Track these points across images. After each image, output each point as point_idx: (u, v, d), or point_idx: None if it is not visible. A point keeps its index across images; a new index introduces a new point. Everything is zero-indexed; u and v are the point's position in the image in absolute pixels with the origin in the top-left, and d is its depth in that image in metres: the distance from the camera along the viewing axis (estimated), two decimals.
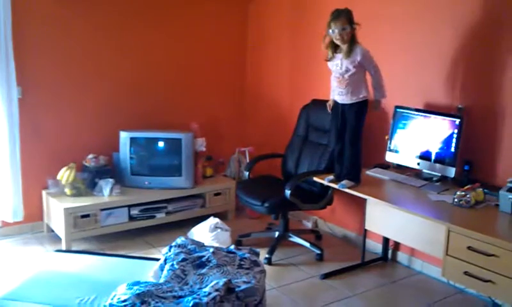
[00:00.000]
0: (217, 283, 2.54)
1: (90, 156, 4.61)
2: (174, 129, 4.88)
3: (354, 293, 3.75)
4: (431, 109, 3.84)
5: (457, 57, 3.73)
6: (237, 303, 2.53)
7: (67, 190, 4.40)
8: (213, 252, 2.94)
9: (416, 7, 3.95)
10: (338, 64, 3.59)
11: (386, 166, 4.07)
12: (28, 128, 4.40)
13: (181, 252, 2.95)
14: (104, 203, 4.38)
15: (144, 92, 4.97)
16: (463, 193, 3.24)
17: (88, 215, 4.29)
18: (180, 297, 2.48)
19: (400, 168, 3.99)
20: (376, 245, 4.35)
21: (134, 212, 4.53)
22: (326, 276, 3.96)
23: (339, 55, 3.58)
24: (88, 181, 4.54)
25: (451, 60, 3.76)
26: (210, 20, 5.27)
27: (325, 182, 3.82)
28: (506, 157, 3.52)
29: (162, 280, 2.74)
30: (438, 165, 3.70)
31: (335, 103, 3.76)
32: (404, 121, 3.93)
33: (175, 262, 2.84)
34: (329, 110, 3.88)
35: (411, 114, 3.89)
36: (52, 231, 4.49)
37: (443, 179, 3.70)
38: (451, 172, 3.62)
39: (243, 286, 2.60)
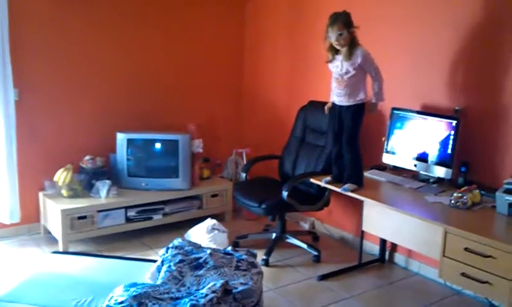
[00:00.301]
0: (214, 284, 2.54)
1: (87, 157, 4.60)
2: (171, 130, 4.88)
3: (351, 294, 3.75)
4: (428, 111, 3.84)
5: (454, 59, 3.74)
6: (234, 305, 2.53)
7: (64, 192, 4.39)
8: (210, 254, 2.94)
9: (414, 9, 3.95)
10: (338, 66, 3.59)
11: (383, 168, 4.08)
12: (25, 130, 4.39)
13: (178, 253, 2.94)
14: (101, 205, 4.37)
15: (142, 93, 4.96)
16: (460, 194, 3.24)
17: (84, 217, 4.28)
18: (177, 298, 2.48)
19: (397, 170, 4.00)
20: (373, 246, 4.36)
21: (131, 213, 4.53)
22: (323, 278, 3.96)
23: (339, 57, 3.57)
24: (85, 183, 4.53)
25: (448, 62, 3.77)
26: (208, 22, 5.28)
27: (322, 184, 3.82)
28: (503, 158, 3.53)
29: (159, 282, 2.73)
30: (434, 166, 3.71)
31: (333, 104, 3.76)
32: (401, 123, 3.94)
33: (172, 264, 2.83)
34: (326, 112, 3.88)
35: (408, 115, 3.89)
36: (49, 232, 4.49)
37: (440, 181, 3.70)
38: (448, 173, 3.62)
39: (240, 288, 2.60)
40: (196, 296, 2.46)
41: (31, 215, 4.55)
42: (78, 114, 4.67)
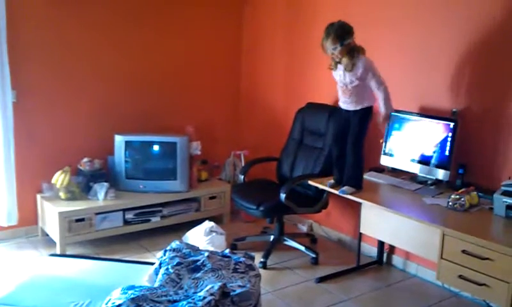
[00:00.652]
0: (212, 287, 2.53)
1: (85, 160, 4.60)
2: (169, 133, 4.87)
3: (349, 296, 3.75)
4: (425, 113, 3.85)
5: (452, 61, 3.74)
6: None
7: (62, 194, 4.39)
8: (208, 256, 2.94)
9: (413, 11, 3.96)
10: (341, 75, 3.55)
11: (381, 170, 4.08)
12: (23, 132, 4.39)
13: (176, 256, 2.94)
14: (99, 207, 4.37)
15: (139, 95, 4.96)
16: (458, 196, 3.25)
17: (82, 219, 4.28)
18: (175, 301, 2.47)
19: (395, 172, 4.00)
20: (371, 248, 4.36)
21: (129, 215, 4.52)
22: (321, 280, 3.96)
23: (341, 66, 3.51)
24: (83, 185, 4.53)
25: (446, 64, 3.78)
26: (206, 24, 5.28)
27: (326, 188, 3.79)
28: (500, 160, 3.53)
29: (157, 284, 2.73)
30: (432, 168, 3.71)
31: (340, 108, 3.74)
32: (398, 125, 3.94)
33: (169, 266, 2.83)
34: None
35: (406, 117, 3.89)
36: (47, 235, 4.48)
37: (438, 182, 3.71)
38: (446, 175, 3.63)
39: (238, 290, 2.59)
40: (193, 299, 2.45)
41: (28, 218, 4.55)
42: (76, 116, 4.67)
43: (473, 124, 3.65)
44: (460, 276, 2.99)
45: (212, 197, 4.98)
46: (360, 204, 3.80)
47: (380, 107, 3.55)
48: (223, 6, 5.38)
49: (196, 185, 4.96)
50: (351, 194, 3.59)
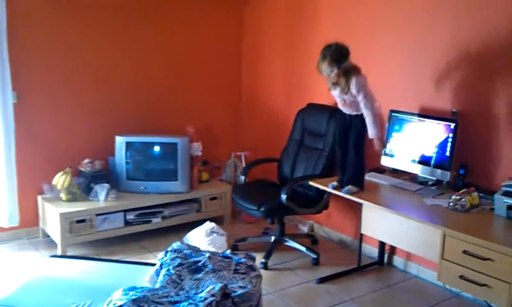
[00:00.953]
0: (213, 288, 2.53)
1: (86, 161, 4.60)
2: (170, 133, 4.88)
3: (351, 297, 3.75)
4: (426, 113, 3.85)
5: (452, 61, 3.74)
6: None
7: (63, 195, 4.39)
8: (209, 257, 2.93)
9: (413, 12, 3.96)
10: (337, 94, 3.59)
11: (382, 170, 4.09)
12: (23, 133, 4.40)
13: (177, 257, 2.94)
14: (100, 208, 4.37)
15: (140, 96, 4.97)
16: (458, 197, 3.24)
17: (83, 220, 4.28)
18: (176, 302, 2.47)
19: (395, 172, 4.00)
20: (371, 249, 4.36)
21: (130, 216, 4.52)
22: (322, 281, 3.96)
23: (338, 87, 3.52)
24: (84, 186, 4.53)
25: (447, 64, 3.78)
26: (206, 25, 5.28)
27: (329, 189, 3.79)
28: (501, 161, 3.53)
29: (158, 285, 2.73)
30: (433, 169, 3.71)
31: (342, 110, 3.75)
32: (399, 126, 3.94)
33: (170, 267, 2.83)
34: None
35: (407, 118, 3.90)
36: (48, 236, 4.48)
37: (439, 183, 3.71)
38: (446, 176, 3.63)
39: (239, 291, 2.59)
40: (195, 300, 2.46)
41: (29, 219, 4.55)
42: (77, 117, 4.67)
43: (474, 124, 3.65)
44: (461, 277, 2.99)
45: (212, 198, 4.98)
46: (360, 205, 3.80)
47: (369, 130, 3.53)
48: (223, 7, 5.38)
49: (197, 186, 4.96)
50: (354, 193, 3.60)
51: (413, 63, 3.99)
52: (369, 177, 3.92)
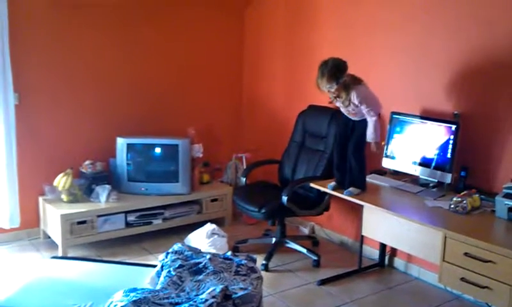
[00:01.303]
0: (214, 289, 2.53)
1: (87, 162, 4.60)
2: (171, 135, 4.88)
3: (351, 299, 3.74)
4: (427, 115, 3.84)
5: (454, 63, 3.74)
6: None
7: (64, 197, 4.39)
8: (210, 259, 2.94)
9: (413, 13, 3.96)
10: (341, 106, 3.61)
11: (383, 172, 4.08)
12: (25, 134, 4.40)
13: (178, 258, 2.94)
14: (101, 209, 4.37)
15: (142, 98, 4.97)
16: (460, 199, 3.24)
17: (84, 222, 4.28)
18: (177, 303, 2.47)
19: (396, 174, 4.00)
20: (372, 251, 4.35)
21: (131, 218, 4.52)
22: (323, 282, 3.96)
23: (340, 99, 3.54)
24: (85, 188, 4.53)
25: (448, 66, 3.78)
26: (207, 26, 5.29)
27: (327, 190, 3.80)
28: (502, 163, 3.53)
29: (158, 287, 2.73)
30: (434, 171, 3.71)
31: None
32: (400, 127, 3.94)
33: (171, 269, 2.83)
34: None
35: (408, 120, 3.89)
36: (49, 237, 4.48)
37: (440, 185, 3.70)
38: (447, 178, 3.62)
39: (240, 293, 2.59)
40: (195, 301, 2.45)
41: (30, 220, 4.55)
42: (78, 118, 4.67)
43: (475, 126, 3.65)
44: (462, 279, 2.99)
45: (213, 200, 4.98)
46: (361, 206, 3.80)
47: (368, 134, 3.61)
48: (224, 8, 5.38)
49: (198, 188, 4.96)
50: (357, 195, 3.61)
51: (415, 64, 3.99)
52: (370, 179, 3.92)
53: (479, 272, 2.90)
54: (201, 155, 4.93)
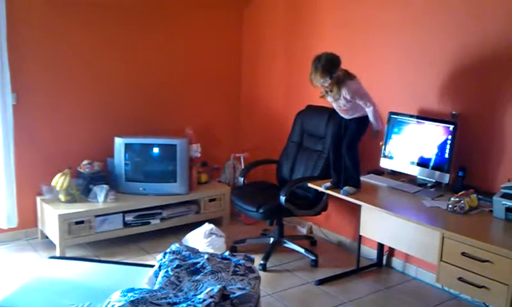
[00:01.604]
0: (211, 289, 2.54)
1: (85, 162, 4.60)
2: (169, 135, 4.88)
3: (349, 299, 3.75)
4: (425, 115, 3.85)
5: (452, 63, 3.75)
6: None
7: (61, 197, 4.39)
8: (208, 259, 2.94)
9: (411, 13, 3.96)
10: (332, 101, 3.63)
11: (381, 172, 4.09)
12: (23, 134, 4.39)
13: (175, 258, 2.94)
14: (99, 209, 4.37)
15: (139, 98, 4.97)
16: (457, 199, 3.25)
17: (82, 222, 4.28)
18: (175, 303, 2.47)
19: (394, 174, 4.00)
20: (370, 251, 4.36)
21: (129, 218, 4.52)
22: (321, 282, 3.96)
23: (332, 94, 3.56)
24: (83, 188, 4.53)
25: (446, 66, 3.78)
26: (206, 26, 5.28)
27: (321, 189, 3.82)
28: (500, 163, 3.53)
29: (156, 287, 2.73)
30: (432, 171, 3.71)
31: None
32: (398, 127, 3.95)
33: (169, 269, 2.83)
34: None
35: (406, 120, 3.90)
36: (47, 237, 4.48)
37: (438, 185, 3.71)
38: (445, 178, 3.63)
39: (238, 293, 2.59)
40: (193, 301, 2.45)
41: (28, 220, 4.55)
42: (76, 118, 4.67)
43: (473, 127, 3.65)
44: (460, 278, 2.99)
45: (211, 200, 4.98)
46: (359, 206, 3.80)
47: (371, 123, 3.66)
48: (223, 10, 5.38)
49: (196, 188, 4.96)
50: (353, 193, 3.61)
51: (413, 64, 3.99)
52: (368, 179, 3.93)
53: (476, 272, 2.91)
54: (199, 155, 4.93)
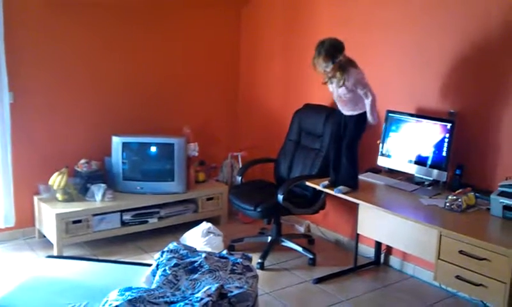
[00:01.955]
0: (209, 288, 2.53)
1: (82, 161, 4.59)
2: (166, 134, 4.87)
3: (347, 297, 3.75)
4: (423, 114, 3.85)
5: (449, 62, 3.75)
6: None
7: (59, 196, 4.38)
8: (205, 258, 2.94)
9: (409, 13, 3.97)
10: (334, 88, 3.60)
11: (378, 171, 4.09)
12: (20, 133, 4.38)
13: (173, 257, 2.94)
14: (96, 208, 4.36)
15: (137, 97, 4.96)
16: (455, 197, 3.25)
17: (79, 221, 4.28)
18: (172, 302, 2.47)
19: (392, 172, 4.00)
20: (368, 249, 4.36)
21: (126, 217, 4.52)
22: (319, 281, 3.96)
23: (334, 80, 3.55)
24: (80, 187, 4.52)
25: (444, 65, 3.78)
26: (204, 25, 5.28)
27: (319, 187, 3.82)
28: (497, 161, 3.54)
29: (154, 286, 2.73)
30: (429, 169, 3.71)
31: (338, 110, 3.76)
32: (396, 126, 3.95)
33: (167, 267, 2.83)
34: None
35: (403, 118, 3.90)
36: (44, 236, 4.47)
37: (435, 183, 3.71)
38: (443, 176, 3.63)
39: (235, 292, 2.59)
40: (191, 300, 2.45)
41: (25, 219, 4.54)
42: (73, 117, 4.66)
43: (470, 125, 3.65)
44: (457, 277, 2.99)
45: (209, 199, 4.98)
46: (357, 205, 3.81)
47: (367, 115, 3.62)
48: (221, 8, 5.38)
49: (194, 187, 4.96)
50: (346, 193, 3.61)
51: (410, 63, 3.99)
52: (365, 177, 3.93)
53: (474, 270, 2.91)
54: (196, 154, 4.93)
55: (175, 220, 4.79)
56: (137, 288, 2.58)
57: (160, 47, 5.05)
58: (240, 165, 5.12)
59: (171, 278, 2.76)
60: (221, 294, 2.54)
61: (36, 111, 4.47)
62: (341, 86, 3.52)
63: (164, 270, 2.82)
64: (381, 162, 4.05)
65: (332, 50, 3.43)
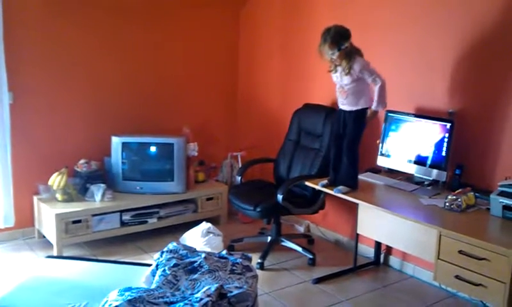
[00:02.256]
0: (209, 288, 2.53)
1: (82, 161, 4.59)
2: (166, 134, 4.87)
3: (347, 297, 3.75)
4: (422, 113, 3.85)
5: (449, 62, 3.75)
6: None
7: (58, 196, 4.38)
8: (205, 258, 2.93)
9: (409, 13, 3.96)
10: (338, 77, 3.60)
11: (378, 170, 4.09)
12: (19, 134, 4.38)
13: (173, 257, 2.94)
14: (96, 209, 4.36)
15: (137, 97, 4.96)
16: (454, 197, 3.25)
17: (79, 221, 4.27)
18: (172, 302, 2.47)
19: (392, 172, 4.00)
20: (368, 249, 4.36)
21: (126, 217, 4.52)
22: (319, 281, 3.96)
23: (340, 68, 3.55)
24: (80, 187, 4.52)
25: (443, 65, 3.78)
26: (203, 25, 5.28)
27: (318, 187, 3.82)
28: (497, 161, 3.54)
29: (153, 286, 2.73)
30: (429, 169, 3.71)
31: (339, 109, 3.76)
32: (395, 126, 3.95)
33: (166, 268, 2.83)
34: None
35: (403, 118, 3.90)
36: (43, 236, 4.47)
37: (435, 183, 3.71)
38: (442, 176, 3.63)
39: (235, 292, 2.59)
40: (190, 300, 2.45)
41: (25, 220, 4.54)
42: (73, 117, 4.66)
43: (470, 125, 3.65)
44: (457, 277, 2.99)
45: (209, 199, 4.98)
46: (356, 205, 3.80)
47: (374, 100, 3.59)
48: (220, 8, 5.38)
49: (193, 187, 4.96)
50: (346, 193, 3.61)
51: (410, 63, 3.99)
52: (365, 177, 3.92)
53: (473, 270, 2.91)
54: (196, 154, 4.92)
55: (175, 221, 4.79)
56: (137, 288, 2.58)
57: (160, 47, 5.05)
58: (240, 165, 5.12)
59: (170, 278, 2.76)
60: (221, 294, 2.54)
61: (36, 111, 4.47)
62: (346, 74, 3.50)
63: (164, 270, 2.82)
64: (381, 162, 4.05)
65: (338, 37, 3.43)
